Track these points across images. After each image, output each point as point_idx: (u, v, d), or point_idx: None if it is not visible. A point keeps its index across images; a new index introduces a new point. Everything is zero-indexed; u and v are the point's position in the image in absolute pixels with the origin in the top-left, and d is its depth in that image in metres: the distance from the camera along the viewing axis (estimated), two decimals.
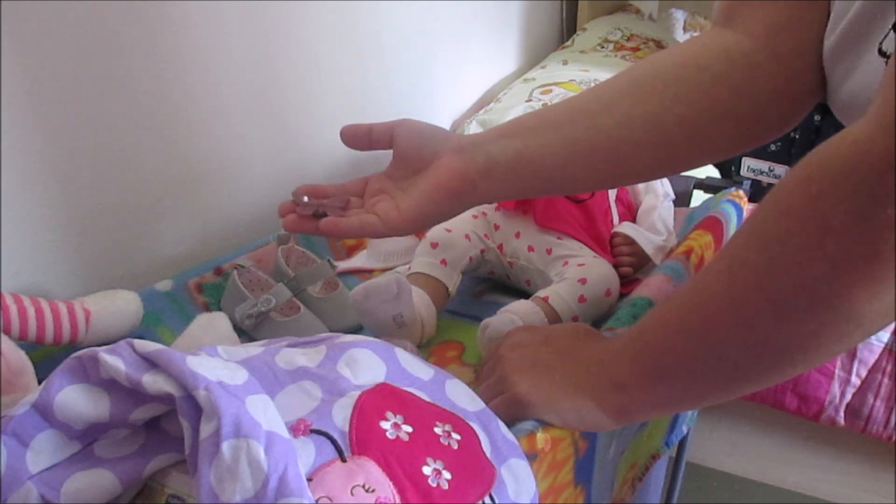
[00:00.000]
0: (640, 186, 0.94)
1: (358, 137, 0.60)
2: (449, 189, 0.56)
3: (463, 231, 0.80)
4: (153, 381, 0.38)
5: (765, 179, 1.40)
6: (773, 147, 1.39)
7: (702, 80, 0.54)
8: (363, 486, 0.39)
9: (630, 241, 0.85)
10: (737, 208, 0.88)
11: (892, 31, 0.40)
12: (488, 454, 0.46)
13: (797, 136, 1.36)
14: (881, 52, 0.41)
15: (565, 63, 1.53)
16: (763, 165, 1.39)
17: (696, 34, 1.93)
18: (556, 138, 0.56)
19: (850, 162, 0.36)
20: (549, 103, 1.31)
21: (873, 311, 0.38)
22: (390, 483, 0.40)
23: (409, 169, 0.58)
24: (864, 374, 1.19)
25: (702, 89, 0.54)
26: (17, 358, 0.50)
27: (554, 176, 0.58)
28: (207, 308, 0.76)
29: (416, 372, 0.50)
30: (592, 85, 1.38)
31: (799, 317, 0.39)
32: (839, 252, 0.37)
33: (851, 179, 0.36)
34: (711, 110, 0.54)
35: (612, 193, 0.90)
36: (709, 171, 1.31)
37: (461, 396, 0.50)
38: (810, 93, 0.53)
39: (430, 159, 0.57)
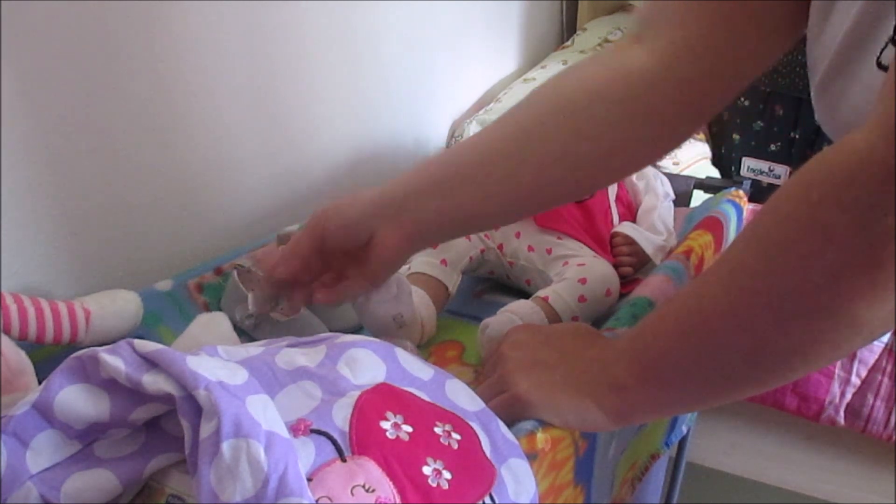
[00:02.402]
0: (640, 186, 0.94)
1: (310, 271, 0.61)
2: (397, 257, 0.60)
3: None
4: (153, 381, 0.38)
5: (765, 179, 1.39)
6: (773, 147, 1.39)
7: (600, 111, 0.55)
8: (363, 486, 0.39)
9: (630, 241, 0.85)
10: (737, 208, 0.88)
11: (890, 44, 0.40)
12: (488, 454, 0.46)
13: (797, 136, 1.36)
14: (880, 66, 0.41)
15: (565, 63, 1.53)
16: (763, 165, 1.39)
17: None
18: (477, 194, 0.57)
19: (850, 171, 0.36)
20: None
21: (873, 318, 0.38)
22: (390, 483, 0.40)
23: (349, 255, 0.60)
24: (864, 374, 1.19)
25: (601, 121, 0.55)
26: (17, 358, 0.50)
27: (485, 223, 0.63)
28: (207, 308, 0.76)
29: (416, 372, 0.50)
30: None
31: (798, 323, 0.39)
32: (840, 260, 0.37)
33: (852, 188, 0.36)
34: (613, 141, 0.55)
35: (612, 193, 0.90)
36: (709, 171, 1.31)
37: (461, 396, 0.50)
38: (708, 112, 0.56)
39: (364, 241, 0.59)
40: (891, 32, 0.40)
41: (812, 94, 0.49)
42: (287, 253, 0.60)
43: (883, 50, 0.41)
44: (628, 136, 0.55)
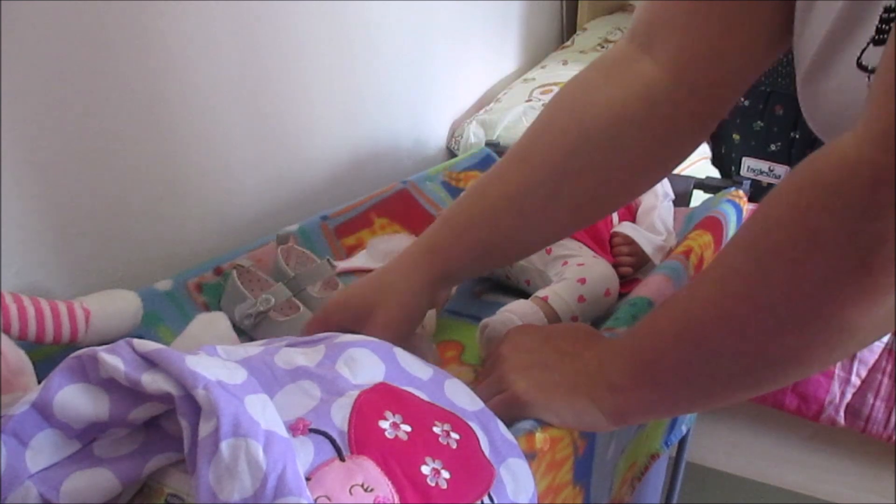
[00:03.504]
0: None
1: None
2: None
3: None
4: (152, 381, 0.38)
5: (765, 179, 1.40)
6: (773, 147, 1.39)
7: (626, 137, 0.55)
8: (362, 486, 0.39)
9: (629, 241, 0.85)
10: (736, 208, 0.88)
11: (870, 45, 0.40)
12: (487, 454, 0.46)
13: (797, 136, 1.36)
14: (861, 67, 0.41)
15: (565, 63, 1.53)
16: (763, 165, 1.39)
17: None
18: (515, 249, 0.62)
19: (839, 176, 0.36)
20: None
21: (866, 323, 0.38)
22: (389, 482, 0.40)
23: None
24: (864, 374, 1.19)
25: (628, 147, 0.55)
26: (17, 357, 0.50)
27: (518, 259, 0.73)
28: (207, 308, 0.76)
29: (415, 371, 0.50)
30: None
31: (790, 328, 0.39)
32: (830, 266, 0.37)
33: (841, 194, 0.36)
34: (641, 163, 0.57)
35: None
36: (709, 171, 1.31)
37: (460, 396, 0.50)
38: (721, 116, 0.57)
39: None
40: (872, 33, 0.40)
41: (797, 89, 0.49)
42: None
43: (864, 50, 0.41)
44: (653, 153, 0.57)
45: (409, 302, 0.59)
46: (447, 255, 0.59)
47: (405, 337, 0.59)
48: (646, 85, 0.54)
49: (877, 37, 0.40)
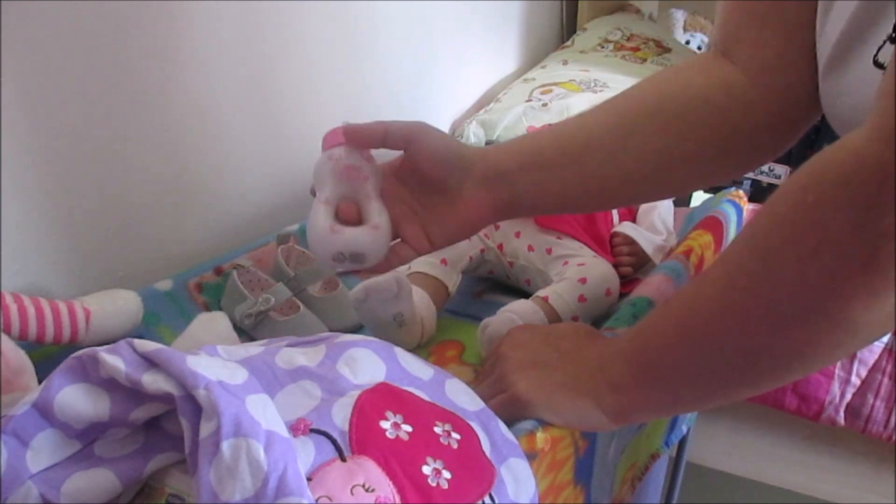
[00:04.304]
0: None
1: (366, 140, 0.57)
2: (477, 224, 0.59)
3: None
4: (153, 381, 0.38)
5: (765, 179, 1.39)
6: None
7: (707, 116, 0.56)
8: (363, 486, 0.39)
9: (630, 241, 0.85)
10: (736, 208, 0.88)
11: (888, 42, 0.40)
12: (488, 454, 0.46)
13: None
14: (877, 64, 0.41)
15: (565, 63, 1.53)
16: (763, 165, 1.39)
17: (696, 34, 1.93)
18: (575, 174, 0.58)
19: (846, 171, 0.36)
20: (550, 103, 1.31)
21: (871, 320, 0.38)
22: (390, 482, 0.40)
23: (429, 188, 0.58)
24: (864, 374, 1.19)
25: (707, 126, 0.56)
26: (17, 357, 0.50)
27: (567, 206, 0.64)
28: (207, 308, 0.76)
29: (416, 371, 0.50)
30: (593, 86, 1.38)
31: (795, 325, 0.39)
32: (835, 262, 0.36)
33: (848, 189, 0.36)
34: (714, 146, 0.56)
35: None
36: None
37: (461, 396, 0.50)
38: (802, 121, 0.56)
39: (454, 187, 0.58)
40: (889, 31, 0.40)
41: (819, 86, 0.50)
42: (370, 131, 0.57)
43: (881, 48, 0.41)
44: (725, 144, 0.57)
45: (500, 203, 0.58)
46: (516, 179, 0.58)
47: (475, 231, 0.60)
48: (725, 80, 0.55)
49: (894, 35, 0.40)
